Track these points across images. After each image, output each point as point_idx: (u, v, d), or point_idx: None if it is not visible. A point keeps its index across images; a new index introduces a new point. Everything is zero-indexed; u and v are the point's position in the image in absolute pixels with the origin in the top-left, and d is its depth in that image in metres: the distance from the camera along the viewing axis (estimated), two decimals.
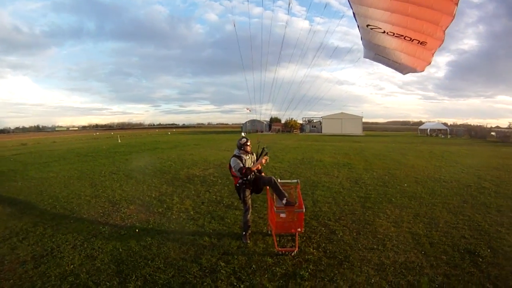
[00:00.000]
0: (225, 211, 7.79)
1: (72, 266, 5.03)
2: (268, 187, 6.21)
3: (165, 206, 8.31)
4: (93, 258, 5.29)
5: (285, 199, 5.83)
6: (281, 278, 4.66)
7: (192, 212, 7.73)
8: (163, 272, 4.77)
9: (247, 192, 6.09)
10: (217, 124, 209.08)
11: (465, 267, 4.94)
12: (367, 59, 6.09)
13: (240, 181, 6.05)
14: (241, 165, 5.92)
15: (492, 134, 53.00)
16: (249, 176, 5.99)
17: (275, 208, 5.72)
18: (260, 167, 6.35)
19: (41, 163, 17.76)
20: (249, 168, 5.95)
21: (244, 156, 6.12)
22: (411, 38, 4.71)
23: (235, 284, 4.48)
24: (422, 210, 7.89)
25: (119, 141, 40.50)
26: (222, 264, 5.04)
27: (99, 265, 5.05)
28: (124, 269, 4.89)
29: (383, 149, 26.06)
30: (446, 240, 5.97)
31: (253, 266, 5.00)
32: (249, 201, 6.12)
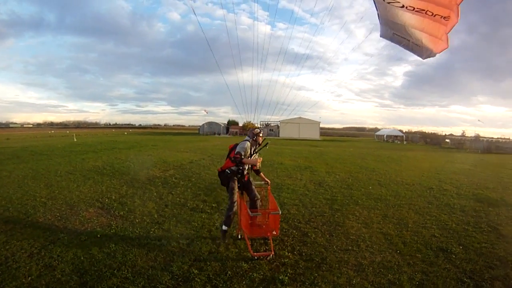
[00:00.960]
0: (190, 214, 7.32)
1: (29, 278, 4.31)
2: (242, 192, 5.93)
3: (126, 209, 7.66)
4: (53, 268, 4.59)
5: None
6: (260, 284, 4.34)
7: (156, 216, 7.18)
8: (132, 283, 4.23)
9: (235, 184, 5.73)
10: (173, 125, 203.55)
11: (441, 264, 5.04)
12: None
13: (234, 167, 5.64)
14: (244, 151, 5.60)
15: (446, 141, 56.14)
16: (240, 168, 5.62)
17: (249, 212, 5.35)
18: (252, 166, 5.94)
19: None
20: (242, 159, 5.54)
21: (253, 146, 5.84)
22: (433, 13, 4.07)
23: None
24: (390, 212, 7.98)
25: (75, 140, 38.11)
26: (195, 271, 4.59)
27: (59, 276, 4.38)
28: (88, 280, 4.28)
29: (342, 153, 26.52)
30: (418, 239, 6.05)
31: (229, 272, 4.62)
32: (236, 195, 5.73)
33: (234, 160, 5.50)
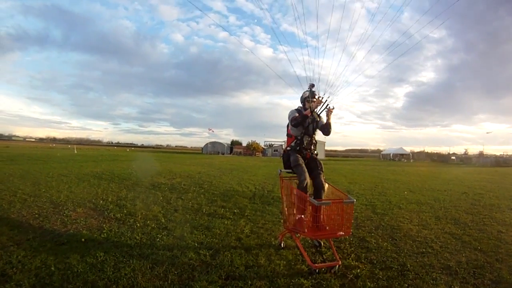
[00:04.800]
0: (208, 220, 5.54)
1: None
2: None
3: (125, 211, 5.89)
4: (5, 279, 2.92)
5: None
6: None
7: (163, 220, 5.39)
8: None
9: (298, 156, 4.32)
10: (176, 146, 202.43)
11: None
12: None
13: (292, 143, 4.44)
14: (297, 114, 4.33)
15: (452, 158, 58.71)
16: (298, 140, 4.43)
17: (315, 202, 3.57)
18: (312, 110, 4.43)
19: None
20: (302, 113, 4.33)
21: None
22: None
23: None
24: (440, 213, 6.91)
25: (75, 151, 36.55)
26: None
27: None
28: None
29: (355, 169, 24.99)
30: (488, 236, 5.14)
31: None
32: (303, 167, 4.21)
33: (296, 120, 4.29)
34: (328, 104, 4.52)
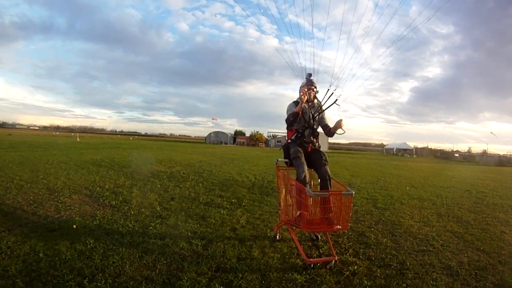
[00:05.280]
0: (204, 209, 5.47)
1: None
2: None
3: (120, 198, 5.85)
4: None
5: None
6: None
7: (158, 208, 5.33)
8: None
9: (297, 148, 4.09)
10: (179, 135, 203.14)
11: None
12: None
13: (293, 137, 4.25)
14: (294, 110, 4.06)
15: (456, 156, 58.53)
16: (299, 134, 4.23)
17: (310, 192, 3.47)
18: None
19: None
20: (293, 112, 4.05)
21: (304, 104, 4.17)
22: None
23: None
24: (442, 210, 6.77)
25: (78, 139, 36.61)
26: None
27: None
28: None
29: (358, 162, 24.87)
30: (491, 236, 4.98)
31: None
32: (302, 160, 4.01)
33: (288, 119, 4.11)
34: (336, 100, 4.31)
